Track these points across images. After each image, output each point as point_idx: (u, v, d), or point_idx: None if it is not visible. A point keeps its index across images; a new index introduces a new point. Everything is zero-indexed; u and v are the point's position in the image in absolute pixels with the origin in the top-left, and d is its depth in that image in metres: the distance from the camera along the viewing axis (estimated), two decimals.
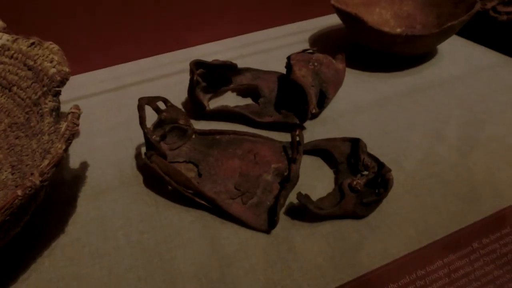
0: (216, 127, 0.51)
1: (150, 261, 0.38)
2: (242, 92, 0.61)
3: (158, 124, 0.47)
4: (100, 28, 0.68)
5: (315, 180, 0.45)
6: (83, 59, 0.70)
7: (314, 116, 0.54)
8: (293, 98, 0.53)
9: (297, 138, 0.45)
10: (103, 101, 0.62)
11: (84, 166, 0.50)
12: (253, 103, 0.57)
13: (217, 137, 0.49)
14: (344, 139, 0.48)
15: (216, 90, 0.59)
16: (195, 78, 0.53)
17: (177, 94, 0.59)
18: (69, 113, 0.41)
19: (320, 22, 0.81)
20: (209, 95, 0.58)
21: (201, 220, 0.42)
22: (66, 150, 0.39)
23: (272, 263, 0.37)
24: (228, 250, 0.38)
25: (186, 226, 0.41)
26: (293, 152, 0.44)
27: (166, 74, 0.67)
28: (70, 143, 0.39)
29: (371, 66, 0.66)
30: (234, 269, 0.37)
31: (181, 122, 0.48)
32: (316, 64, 0.54)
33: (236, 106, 0.56)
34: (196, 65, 0.54)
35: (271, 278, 0.36)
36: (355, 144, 0.46)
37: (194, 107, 0.56)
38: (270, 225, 0.39)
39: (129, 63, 0.72)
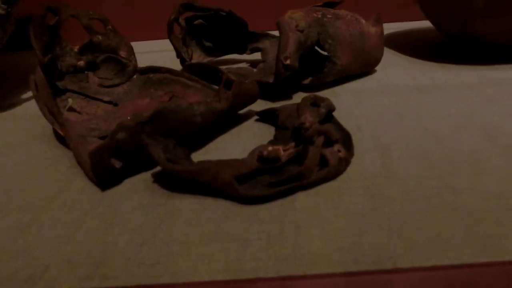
0: None
1: None
2: (257, 65, 0.46)
3: (87, 48, 0.36)
4: None
5: (240, 147, 0.27)
6: None
7: (310, 86, 0.36)
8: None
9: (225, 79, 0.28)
10: None
11: None
12: (248, 67, 0.42)
13: (151, 75, 0.35)
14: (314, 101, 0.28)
15: (221, 55, 0.46)
16: (173, 16, 0.41)
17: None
18: None
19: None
20: (209, 58, 0.45)
21: (61, 159, 0.28)
22: None
23: (66, 223, 0.21)
24: (37, 195, 0.24)
25: (37, 164, 0.28)
26: (216, 95, 0.27)
27: None
28: None
29: (445, 56, 0.43)
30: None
31: (122, 54, 0.37)
32: (329, 16, 0.36)
33: (227, 68, 0.41)
34: (184, 8, 0.42)
35: (57, 248, 0.20)
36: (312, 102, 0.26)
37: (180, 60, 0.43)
38: (96, 174, 0.23)
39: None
